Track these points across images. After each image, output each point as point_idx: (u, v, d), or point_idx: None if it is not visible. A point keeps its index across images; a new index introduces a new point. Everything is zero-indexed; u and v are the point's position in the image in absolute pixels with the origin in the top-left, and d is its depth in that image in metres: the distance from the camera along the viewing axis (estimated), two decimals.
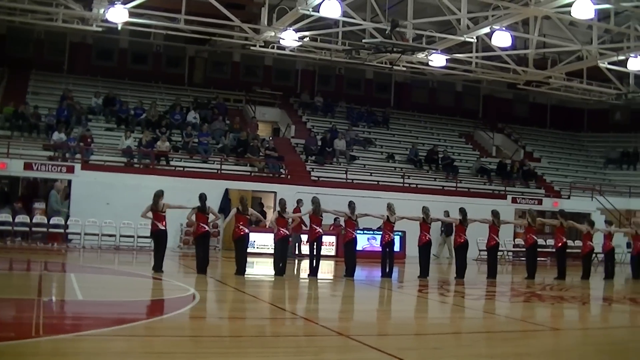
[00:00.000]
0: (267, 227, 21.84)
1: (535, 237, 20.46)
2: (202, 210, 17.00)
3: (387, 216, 18.69)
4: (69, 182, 26.14)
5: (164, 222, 16.77)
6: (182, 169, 28.14)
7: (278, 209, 17.87)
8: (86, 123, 29.00)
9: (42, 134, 28.05)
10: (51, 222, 24.57)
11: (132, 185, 25.38)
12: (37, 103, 29.72)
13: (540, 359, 8.42)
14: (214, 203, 21.62)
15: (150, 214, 16.85)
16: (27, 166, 25.45)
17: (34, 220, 24.56)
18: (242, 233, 17.06)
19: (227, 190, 27.07)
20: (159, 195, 16.80)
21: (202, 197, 17.11)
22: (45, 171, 25.92)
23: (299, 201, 24.21)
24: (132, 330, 9.16)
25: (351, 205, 18.52)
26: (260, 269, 20.49)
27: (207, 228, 17.19)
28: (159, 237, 16.89)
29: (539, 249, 21.85)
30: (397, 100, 40.80)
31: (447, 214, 22.39)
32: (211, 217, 17.80)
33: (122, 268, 19.89)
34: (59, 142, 26.98)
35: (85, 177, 25.91)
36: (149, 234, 18.48)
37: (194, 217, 17.10)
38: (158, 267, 16.45)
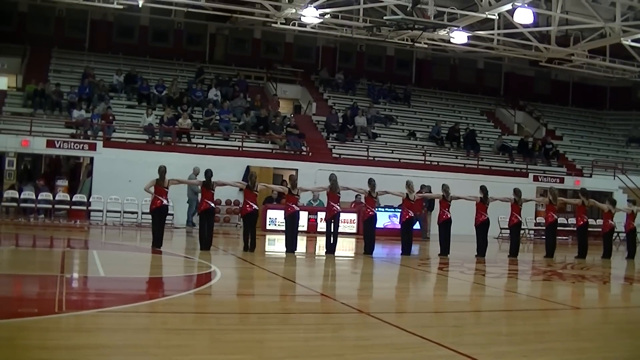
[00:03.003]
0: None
1: (555, 216, 20.32)
2: (207, 186, 16.75)
3: (407, 194, 18.63)
4: (91, 159, 26.34)
5: (167, 198, 16.71)
6: (203, 146, 28.22)
7: (288, 185, 17.70)
8: (108, 100, 29.13)
9: (64, 111, 28.20)
10: (74, 199, 24.86)
11: (154, 162, 24.91)
12: (59, 81, 29.91)
13: (560, 337, 8.40)
14: (236, 180, 21.57)
15: (152, 189, 16.64)
16: (50, 143, 25.63)
17: (57, 198, 24.85)
18: (250, 210, 16.99)
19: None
20: (163, 170, 16.62)
21: (208, 173, 16.88)
22: (67, 148, 26.08)
23: (423, 186, 22.63)
24: (153, 306, 9.25)
25: (371, 182, 18.39)
26: (278, 246, 20.48)
27: (211, 204, 16.96)
28: (162, 212, 16.78)
29: (560, 228, 21.72)
30: (418, 77, 40.65)
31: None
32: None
33: (143, 245, 20.00)
34: (81, 120, 27.13)
35: (107, 154, 26.06)
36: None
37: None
38: (159, 243, 16.41)
